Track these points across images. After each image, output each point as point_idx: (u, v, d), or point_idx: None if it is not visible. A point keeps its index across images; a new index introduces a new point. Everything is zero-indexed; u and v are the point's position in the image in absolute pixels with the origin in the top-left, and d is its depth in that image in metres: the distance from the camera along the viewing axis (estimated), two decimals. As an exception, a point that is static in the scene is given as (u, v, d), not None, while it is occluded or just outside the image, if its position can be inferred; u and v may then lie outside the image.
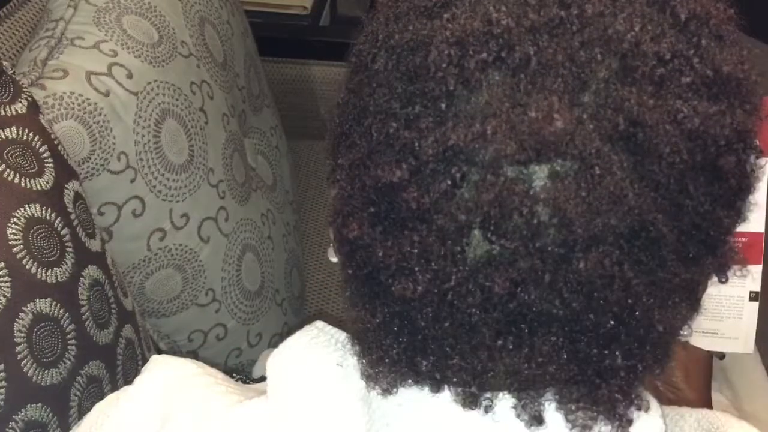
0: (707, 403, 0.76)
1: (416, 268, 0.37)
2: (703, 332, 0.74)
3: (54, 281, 0.66)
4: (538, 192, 0.35)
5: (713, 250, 0.39)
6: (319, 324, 0.50)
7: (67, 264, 0.69)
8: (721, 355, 0.81)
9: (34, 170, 0.68)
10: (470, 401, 0.42)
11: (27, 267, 0.64)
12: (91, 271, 0.73)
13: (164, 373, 0.52)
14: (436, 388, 0.43)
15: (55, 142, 0.73)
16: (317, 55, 1.50)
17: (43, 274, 0.65)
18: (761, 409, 0.95)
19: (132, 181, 0.85)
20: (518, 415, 0.42)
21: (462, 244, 0.36)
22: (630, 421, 0.42)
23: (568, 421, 0.41)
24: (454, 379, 0.42)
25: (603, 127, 0.35)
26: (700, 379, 0.76)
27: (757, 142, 0.39)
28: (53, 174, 0.71)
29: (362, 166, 0.38)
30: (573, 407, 0.41)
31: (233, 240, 1.02)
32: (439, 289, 0.37)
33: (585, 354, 0.38)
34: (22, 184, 0.66)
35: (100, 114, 0.81)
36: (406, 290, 0.38)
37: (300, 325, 0.51)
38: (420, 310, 0.38)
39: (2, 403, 0.59)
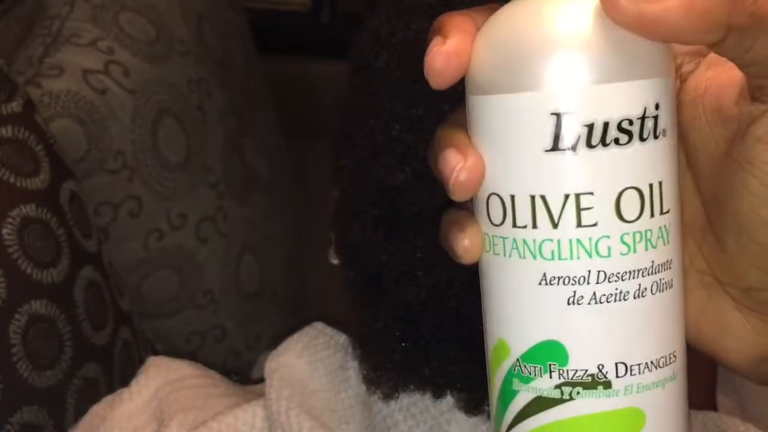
0: (712, 406, 0.75)
1: (420, 273, 0.37)
2: None
3: (50, 282, 0.66)
4: None
5: None
6: (319, 326, 0.49)
7: (63, 264, 0.68)
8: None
9: (29, 169, 0.68)
10: (473, 407, 0.41)
11: (22, 268, 0.63)
12: (88, 272, 0.72)
13: (161, 376, 0.52)
14: (439, 393, 0.42)
15: (51, 141, 0.72)
16: (317, 53, 1.49)
17: (39, 275, 0.65)
18: (766, 411, 0.94)
19: (129, 180, 0.85)
20: (522, 421, 0.41)
21: None
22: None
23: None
24: (458, 385, 0.41)
25: None
26: (704, 381, 0.75)
27: None
28: (49, 173, 0.70)
29: (365, 168, 0.38)
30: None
31: (232, 240, 1.02)
32: (443, 295, 0.36)
33: None
34: (18, 184, 0.66)
35: (96, 112, 0.80)
36: (410, 295, 0.37)
37: (299, 327, 0.50)
38: (423, 315, 0.38)
39: (-3, 406, 0.59)
